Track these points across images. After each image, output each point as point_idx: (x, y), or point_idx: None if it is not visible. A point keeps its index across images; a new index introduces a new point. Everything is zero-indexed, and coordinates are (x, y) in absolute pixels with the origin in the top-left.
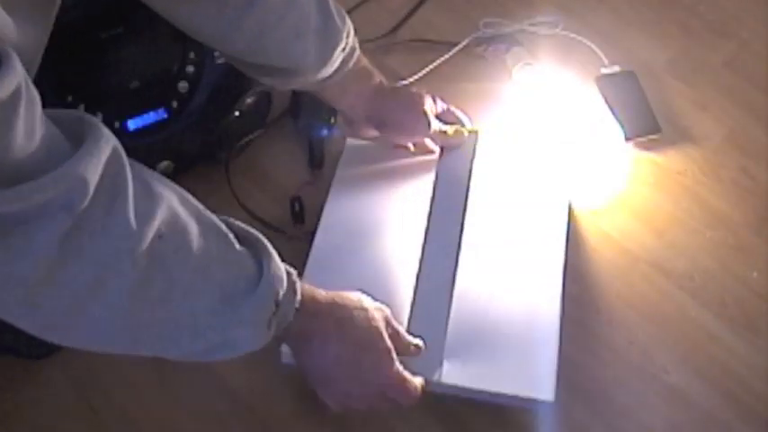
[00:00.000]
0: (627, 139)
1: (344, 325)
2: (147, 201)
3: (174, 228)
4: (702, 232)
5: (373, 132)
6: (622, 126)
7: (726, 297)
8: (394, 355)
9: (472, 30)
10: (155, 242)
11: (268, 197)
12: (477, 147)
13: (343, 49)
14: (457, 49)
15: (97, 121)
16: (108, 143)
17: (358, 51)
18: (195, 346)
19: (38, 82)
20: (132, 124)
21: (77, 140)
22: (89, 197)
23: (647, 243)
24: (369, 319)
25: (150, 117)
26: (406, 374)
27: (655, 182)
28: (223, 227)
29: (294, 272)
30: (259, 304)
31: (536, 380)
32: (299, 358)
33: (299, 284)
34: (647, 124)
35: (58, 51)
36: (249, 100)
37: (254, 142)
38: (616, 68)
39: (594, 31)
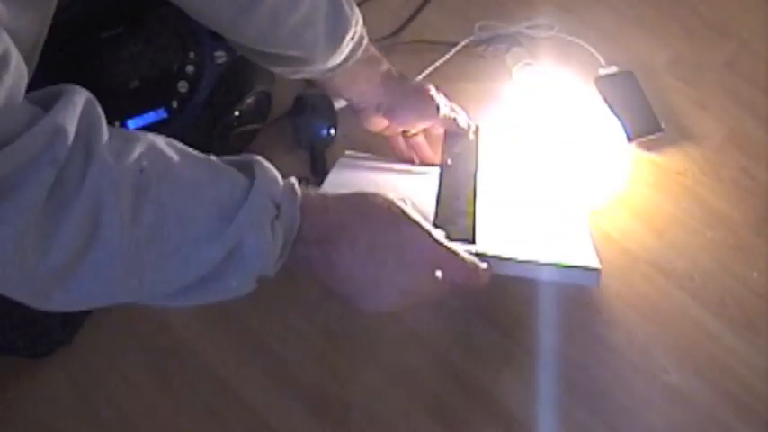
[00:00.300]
0: (629, 139)
1: (363, 210)
2: (124, 141)
3: (156, 160)
4: (702, 232)
5: (383, 122)
6: (624, 126)
7: (726, 297)
8: (428, 225)
9: (472, 30)
10: (137, 176)
11: None
12: (479, 143)
13: (353, 37)
14: (457, 49)
15: (73, 85)
16: (81, 95)
17: (366, 40)
18: (202, 270)
19: (38, 82)
20: (132, 124)
21: (54, 102)
22: (68, 147)
23: (647, 243)
24: (385, 199)
25: (150, 117)
26: (455, 247)
27: (655, 182)
28: (212, 157)
29: (293, 178)
30: (255, 207)
31: (580, 252)
32: (337, 276)
33: (297, 185)
34: (648, 124)
35: (58, 51)
36: (249, 100)
37: (254, 142)
38: (614, 69)
39: (594, 30)
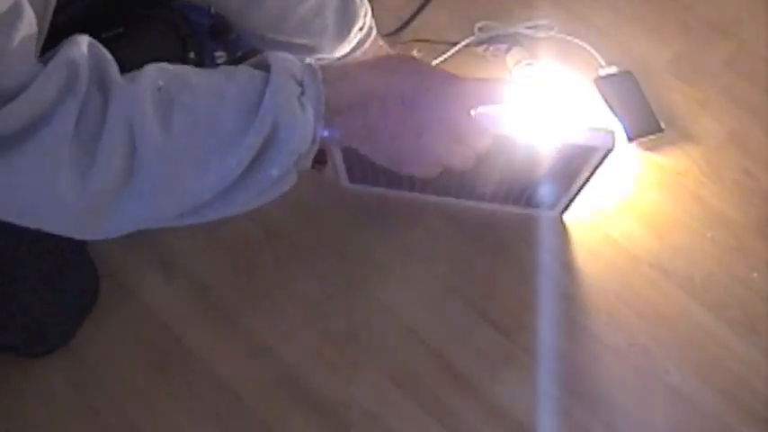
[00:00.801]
0: (629, 139)
1: (385, 68)
2: (134, 72)
3: (171, 77)
4: (703, 233)
5: None
6: (625, 126)
7: (726, 298)
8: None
9: (472, 30)
10: (156, 94)
11: None
12: None
13: (361, 28)
14: (457, 48)
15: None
16: (84, 37)
17: (375, 32)
18: (241, 164)
19: None
20: None
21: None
22: (85, 79)
23: (647, 244)
24: (401, 54)
25: None
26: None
27: (655, 183)
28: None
29: (309, 58)
30: (279, 88)
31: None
32: (380, 142)
33: (315, 62)
34: (648, 124)
35: None
36: None
37: None
38: (614, 69)
39: (594, 30)
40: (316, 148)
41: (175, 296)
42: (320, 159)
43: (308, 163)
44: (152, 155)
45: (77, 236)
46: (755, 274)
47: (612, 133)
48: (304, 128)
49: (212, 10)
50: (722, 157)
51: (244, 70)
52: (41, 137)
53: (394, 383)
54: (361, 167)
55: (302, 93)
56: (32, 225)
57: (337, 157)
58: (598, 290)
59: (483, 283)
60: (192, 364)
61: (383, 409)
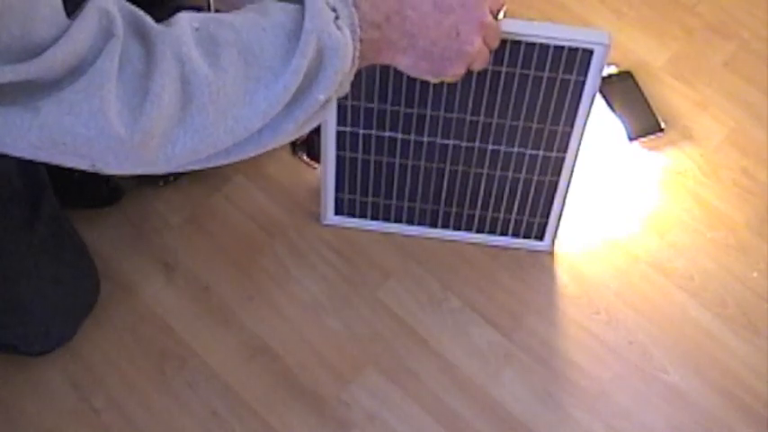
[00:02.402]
0: (630, 139)
1: None
2: (166, 19)
3: (204, 19)
4: (703, 232)
5: None
6: (625, 126)
7: (726, 297)
8: None
9: None
10: (195, 34)
11: (268, 197)
12: None
13: None
14: None
15: None
16: None
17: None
18: (291, 86)
19: None
20: None
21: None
22: (120, 23)
23: (647, 243)
24: None
25: None
26: None
27: (655, 182)
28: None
29: None
30: (316, 12)
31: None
32: (420, 49)
33: None
34: (648, 124)
35: None
36: None
37: None
38: (614, 69)
39: None
40: (355, 70)
41: (175, 296)
42: (314, 157)
43: (347, 88)
44: (203, 88)
45: (134, 170)
46: (755, 274)
47: (608, 33)
48: (345, 47)
49: (212, 9)
50: (722, 157)
51: (275, 4)
52: (87, 78)
53: (394, 383)
54: (352, 179)
55: (336, 17)
56: (88, 164)
57: (329, 172)
58: (598, 289)
59: (483, 283)
60: (192, 364)
61: (383, 409)
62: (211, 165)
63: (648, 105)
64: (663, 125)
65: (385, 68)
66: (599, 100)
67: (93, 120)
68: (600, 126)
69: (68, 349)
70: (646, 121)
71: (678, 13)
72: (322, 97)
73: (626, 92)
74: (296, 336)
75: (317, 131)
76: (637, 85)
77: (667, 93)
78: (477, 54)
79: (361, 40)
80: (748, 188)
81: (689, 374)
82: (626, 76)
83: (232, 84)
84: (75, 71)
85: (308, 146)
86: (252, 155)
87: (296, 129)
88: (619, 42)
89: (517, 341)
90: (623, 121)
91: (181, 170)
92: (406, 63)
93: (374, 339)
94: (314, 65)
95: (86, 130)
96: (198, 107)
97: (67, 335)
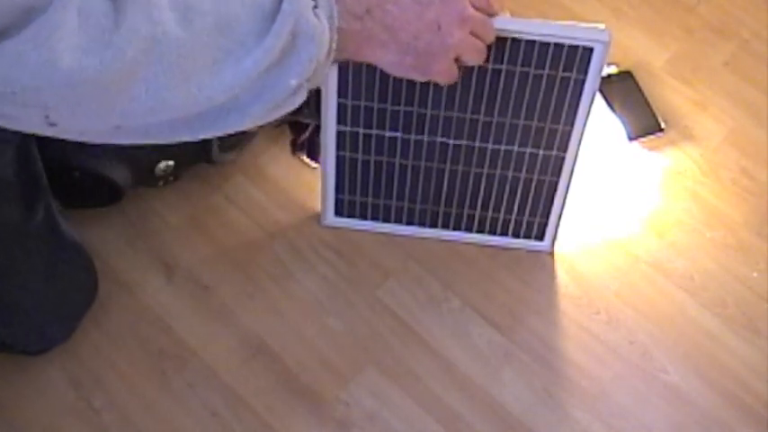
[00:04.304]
0: (630, 139)
1: None
2: None
3: None
4: (702, 232)
5: None
6: (625, 126)
7: (726, 297)
8: None
9: None
10: (171, 3)
11: (268, 197)
12: None
13: None
14: None
15: None
16: None
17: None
18: (260, 64)
19: None
20: None
21: None
22: None
23: (647, 243)
24: None
25: None
26: None
27: (655, 182)
28: None
29: None
30: None
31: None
32: (401, 42)
33: None
34: (648, 124)
35: None
36: None
37: (254, 142)
38: (613, 68)
39: None
40: (331, 60)
41: (175, 296)
42: (314, 157)
43: (321, 80)
44: (172, 48)
45: (88, 125)
46: (755, 274)
47: (608, 31)
48: (321, 35)
49: None
50: (721, 157)
51: None
52: (35, 27)
53: (394, 383)
54: (353, 179)
55: (315, 6)
56: (42, 114)
57: (330, 172)
58: (597, 289)
59: (483, 283)
60: (192, 364)
61: (383, 409)
62: (175, 138)
63: (648, 105)
64: (663, 125)
65: None
66: (599, 100)
67: (42, 70)
68: (600, 126)
69: (68, 349)
70: (646, 121)
71: (678, 13)
72: (293, 82)
73: (626, 92)
74: (296, 335)
75: (317, 131)
76: (637, 84)
77: (667, 93)
78: (460, 46)
79: (340, 30)
80: (748, 188)
81: (689, 374)
82: (626, 76)
83: (201, 50)
84: (23, 20)
85: (308, 146)
86: (218, 134)
87: (264, 113)
88: (619, 42)
89: (517, 341)
90: (623, 121)
91: (140, 142)
92: (389, 59)
93: (374, 339)
94: (287, 47)
95: (33, 80)
96: (164, 67)
97: (63, 334)
